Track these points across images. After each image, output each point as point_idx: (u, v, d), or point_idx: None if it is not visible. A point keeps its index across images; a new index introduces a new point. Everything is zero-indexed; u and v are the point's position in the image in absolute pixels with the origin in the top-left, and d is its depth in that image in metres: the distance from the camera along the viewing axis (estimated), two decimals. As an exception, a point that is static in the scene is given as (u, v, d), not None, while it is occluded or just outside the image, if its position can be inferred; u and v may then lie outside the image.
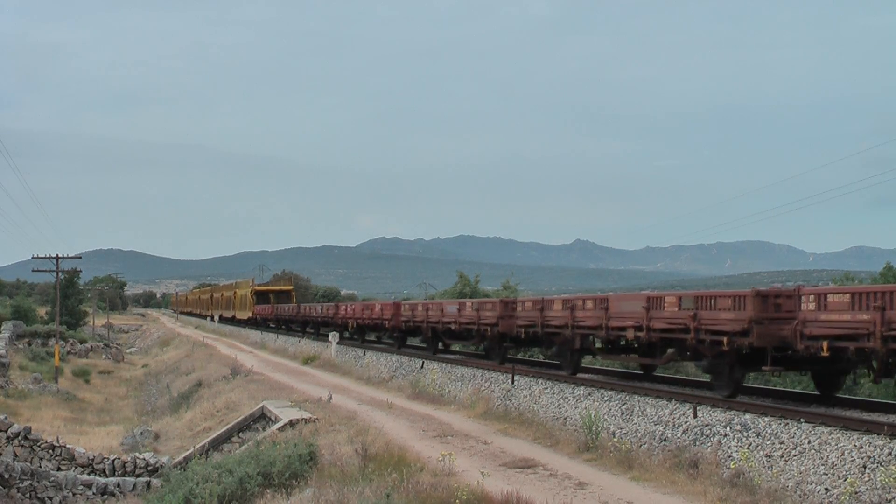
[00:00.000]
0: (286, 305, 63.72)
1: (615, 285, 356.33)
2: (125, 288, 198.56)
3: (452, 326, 29.62)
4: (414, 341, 38.93)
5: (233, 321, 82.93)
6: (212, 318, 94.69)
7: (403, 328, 35.45)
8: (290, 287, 78.19)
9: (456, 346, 35.15)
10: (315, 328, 51.90)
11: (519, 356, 30.92)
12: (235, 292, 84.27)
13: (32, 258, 56.76)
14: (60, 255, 55.41)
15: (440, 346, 33.44)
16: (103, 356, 69.62)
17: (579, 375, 22.83)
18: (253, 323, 72.76)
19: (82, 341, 70.59)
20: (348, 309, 43.75)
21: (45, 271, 57.12)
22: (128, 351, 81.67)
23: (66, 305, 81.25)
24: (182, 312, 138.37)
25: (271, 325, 66.22)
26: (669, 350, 19.41)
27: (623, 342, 20.96)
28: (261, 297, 74.32)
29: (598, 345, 22.19)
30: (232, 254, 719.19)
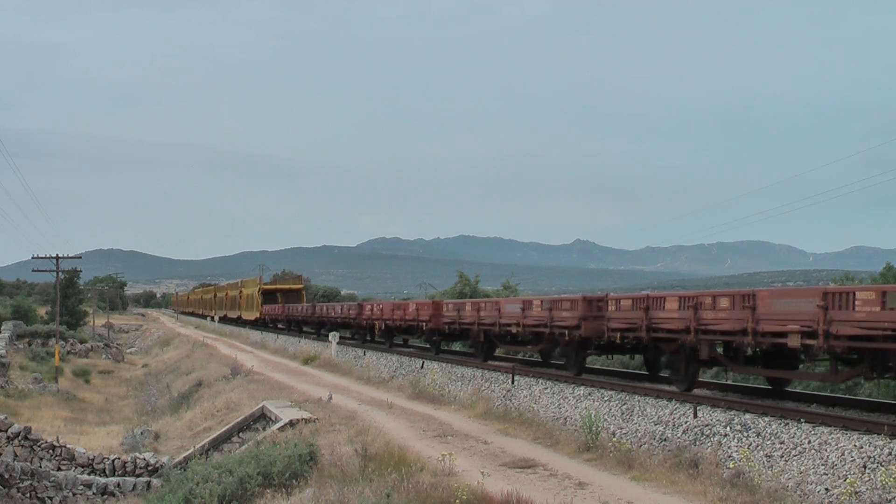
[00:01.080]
0: (298, 305, 59.27)
1: (615, 285, 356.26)
2: (125, 288, 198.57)
3: (513, 329, 25.29)
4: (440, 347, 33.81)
5: (238, 322, 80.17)
6: (212, 318, 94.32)
7: (447, 331, 31.06)
8: (301, 286, 74.46)
9: (500, 352, 30.99)
10: (333, 331, 47.28)
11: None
12: (241, 291, 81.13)
13: (32, 258, 56.83)
14: (60, 255, 55.48)
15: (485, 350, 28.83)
16: (103, 356, 69.62)
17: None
18: (261, 324, 69.18)
19: (82, 341, 70.59)
20: (375, 309, 39.16)
21: (45, 271, 57.15)
22: (128, 351, 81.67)
23: (66, 305, 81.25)
24: (184, 313, 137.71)
25: (280, 327, 62.38)
26: (847, 364, 15.11)
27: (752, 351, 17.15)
28: (268, 296, 71.03)
29: (717, 352, 18.03)
30: (232, 254, 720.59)
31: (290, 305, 61.10)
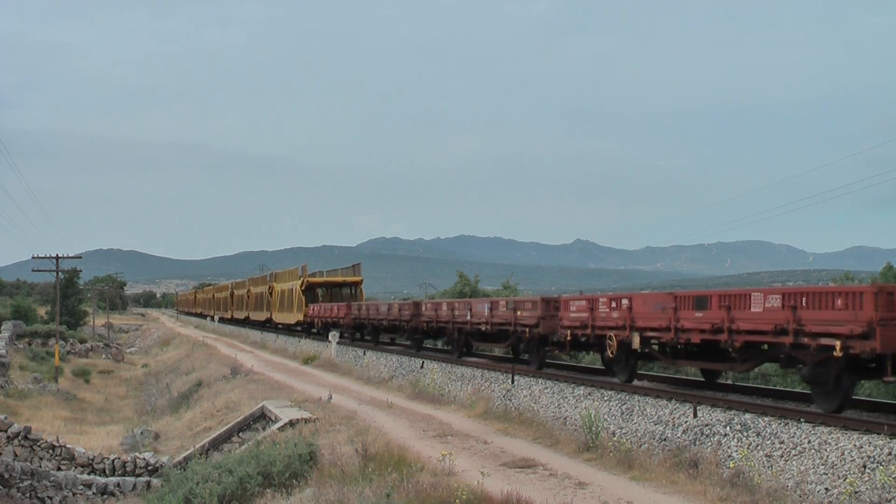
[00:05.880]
0: (380, 304, 40.78)
1: (615, 285, 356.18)
2: (125, 288, 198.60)
3: None
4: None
5: (266, 326, 66.71)
6: (212, 317, 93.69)
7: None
8: (360, 278, 56.22)
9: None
10: (456, 342, 29.39)
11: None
12: (272, 287, 64.58)
13: (32, 258, 56.94)
14: (60, 255, 55.57)
15: None
16: (103, 356, 69.64)
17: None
18: (306, 330, 51.89)
19: (82, 341, 70.62)
20: (608, 310, 19.96)
21: (45, 271, 57.24)
22: (128, 351, 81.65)
23: (66, 305, 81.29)
24: (190, 313, 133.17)
25: (341, 334, 41.54)
26: None
27: None
28: (310, 292, 56.13)
29: None
30: (232, 254, 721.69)
31: (363, 304, 42.76)
